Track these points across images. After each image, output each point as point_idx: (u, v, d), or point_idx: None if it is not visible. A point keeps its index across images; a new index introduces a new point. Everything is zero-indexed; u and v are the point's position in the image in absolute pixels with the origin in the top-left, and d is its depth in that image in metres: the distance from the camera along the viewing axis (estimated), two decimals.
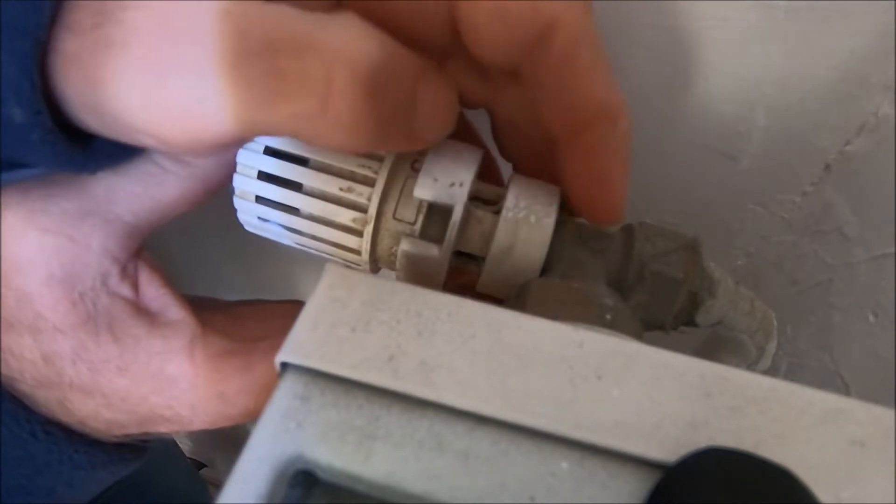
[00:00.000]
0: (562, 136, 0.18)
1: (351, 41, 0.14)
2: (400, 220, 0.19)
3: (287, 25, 0.14)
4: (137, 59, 0.14)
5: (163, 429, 0.21)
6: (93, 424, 0.20)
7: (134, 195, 0.18)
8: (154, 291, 0.20)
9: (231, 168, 0.20)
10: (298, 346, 0.12)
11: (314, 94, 0.14)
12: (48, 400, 0.19)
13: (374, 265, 0.21)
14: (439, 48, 0.17)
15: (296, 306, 0.17)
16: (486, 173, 0.24)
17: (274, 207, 0.20)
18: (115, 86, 0.14)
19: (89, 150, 0.16)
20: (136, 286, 0.20)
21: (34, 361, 0.18)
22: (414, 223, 0.19)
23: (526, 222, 0.19)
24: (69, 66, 0.14)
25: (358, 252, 0.20)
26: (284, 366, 0.13)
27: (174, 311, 0.20)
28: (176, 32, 0.13)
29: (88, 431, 0.20)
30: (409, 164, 0.20)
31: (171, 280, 0.21)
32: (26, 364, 0.18)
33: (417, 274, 0.20)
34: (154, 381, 0.19)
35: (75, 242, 0.18)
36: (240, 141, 0.17)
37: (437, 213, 0.19)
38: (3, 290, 0.18)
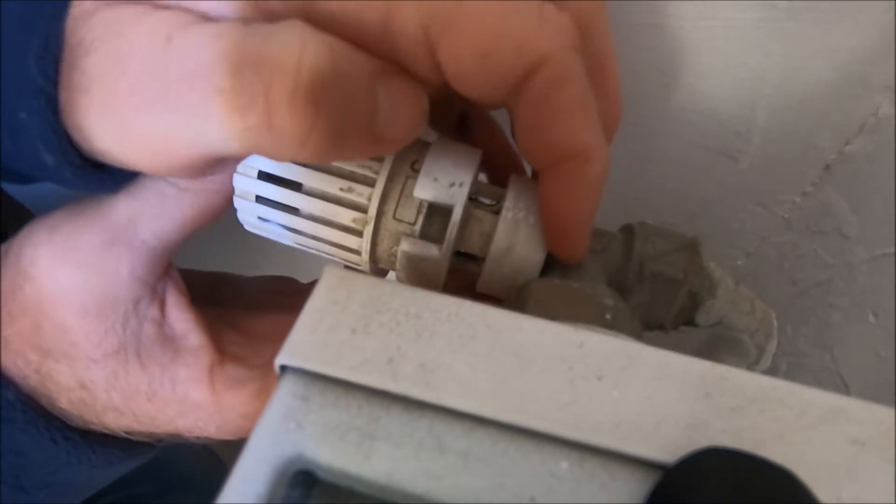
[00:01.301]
0: (534, 166, 0.18)
1: (290, 51, 0.14)
2: (400, 221, 0.19)
3: (225, 44, 0.14)
4: (98, 103, 0.15)
5: (191, 438, 0.22)
6: (126, 433, 0.21)
7: (155, 218, 0.19)
8: (178, 314, 0.21)
9: None
10: (297, 348, 0.12)
11: (254, 111, 0.14)
12: (83, 415, 0.20)
13: (375, 265, 0.21)
14: (434, 81, 0.17)
15: None
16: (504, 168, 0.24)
17: (274, 207, 0.20)
18: (90, 131, 0.15)
19: (113, 173, 0.17)
20: (162, 306, 0.21)
21: (70, 387, 0.19)
22: (414, 223, 0.19)
23: (526, 223, 0.19)
24: (66, 120, 0.15)
25: (358, 252, 0.20)
26: (284, 367, 0.13)
27: (194, 336, 0.21)
28: (124, 72, 0.14)
29: (121, 436, 0.21)
30: (409, 164, 0.20)
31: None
32: (63, 389, 0.19)
33: (417, 274, 0.20)
34: (180, 405, 0.20)
35: (104, 274, 0.19)
36: (223, 158, 0.17)
37: (437, 214, 0.19)
38: (41, 322, 0.19)
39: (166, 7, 0.15)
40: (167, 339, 0.21)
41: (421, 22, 0.15)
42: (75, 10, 0.15)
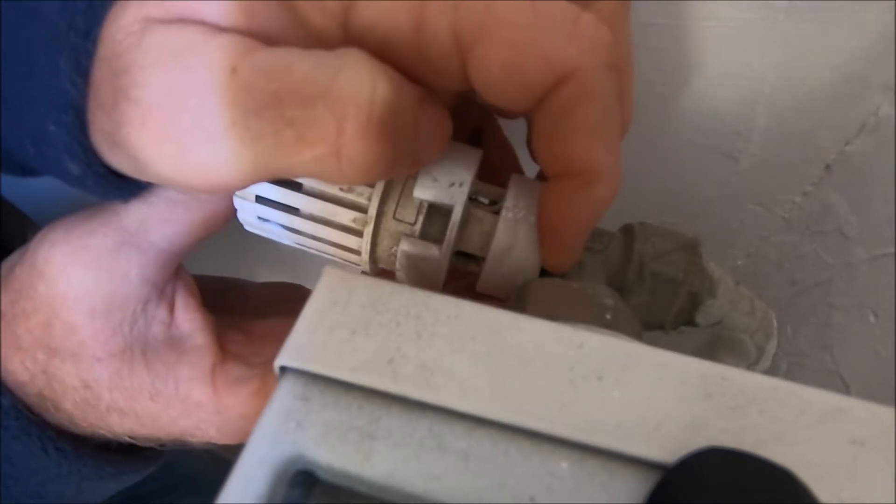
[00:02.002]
0: (544, 171, 0.18)
1: (361, 83, 0.14)
2: (400, 221, 0.19)
3: (293, 75, 0.14)
4: (156, 133, 0.14)
5: (193, 442, 0.22)
6: (130, 437, 0.21)
7: (165, 222, 0.19)
8: (186, 315, 0.21)
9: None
10: (298, 349, 0.12)
11: (325, 141, 0.14)
12: (88, 417, 0.20)
13: (374, 265, 0.21)
14: (457, 91, 0.17)
15: None
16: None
17: (274, 207, 0.20)
18: (144, 156, 0.15)
19: (132, 182, 0.17)
20: (171, 308, 0.21)
21: (75, 387, 0.20)
22: (414, 223, 0.19)
23: (526, 222, 0.19)
24: (103, 139, 0.15)
25: (358, 252, 0.20)
26: (284, 367, 0.13)
27: (200, 336, 0.21)
28: (186, 102, 0.14)
29: (125, 441, 0.21)
30: None
31: None
32: (68, 389, 0.20)
33: (417, 274, 0.20)
34: (182, 405, 0.21)
35: (114, 275, 0.19)
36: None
37: (437, 214, 0.19)
38: (52, 320, 0.19)
39: (221, 32, 0.14)
40: (173, 340, 0.21)
41: (452, 30, 0.15)
42: (117, 32, 0.14)
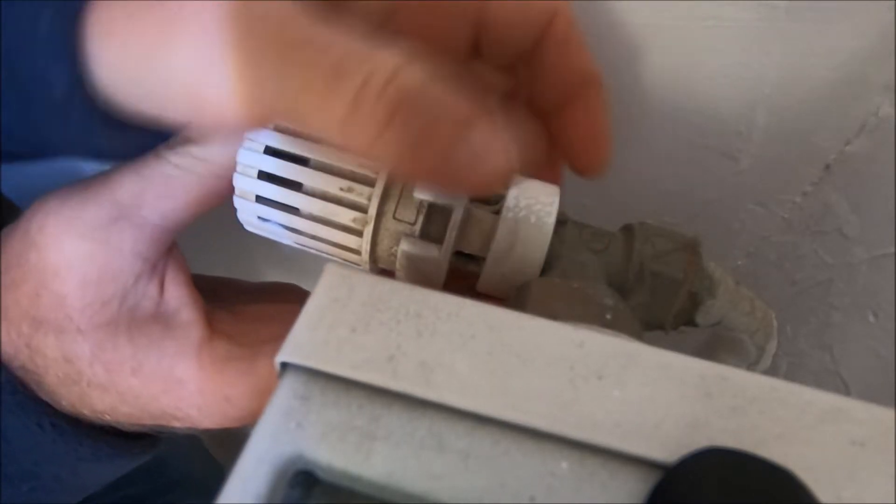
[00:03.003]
0: (560, 104, 0.22)
1: (392, 56, 0.15)
2: (400, 221, 0.19)
3: (341, 39, 0.15)
4: (188, 47, 0.15)
5: (175, 425, 0.21)
6: (111, 417, 0.21)
7: (159, 198, 0.19)
8: (176, 290, 0.21)
9: None
10: (298, 346, 0.12)
11: (343, 97, 0.14)
12: (70, 394, 0.20)
13: (374, 265, 0.21)
14: (460, 52, 0.21)
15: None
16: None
17: (274, 207, 0.20)
18: (165, 53, 0.15)
19: (119, 123, 0.17)
20: (161, 284, 0.21)
21: (56, 360, 0.19)
22: (414, 223, 0.19)
23: (526, 222, 0.19)
24: (105, 35, 0.15)
25: (358, 252, 0.20)
26: (285, 366, 0.13)
27: (187, 311, 0.21)
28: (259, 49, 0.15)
29: (109, 422, 0.21)
30: None
31: None
32: (50, 362, 0.19)
33: (417, 274, 0.20)
34: (164, 381, 0.20)
35: (108, 247, 0.19)
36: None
37: (437, 214, 0.19)
38: (41, 291, 0.19)
39: None
40: (161, 316, 0.21)
41: None
42: None
